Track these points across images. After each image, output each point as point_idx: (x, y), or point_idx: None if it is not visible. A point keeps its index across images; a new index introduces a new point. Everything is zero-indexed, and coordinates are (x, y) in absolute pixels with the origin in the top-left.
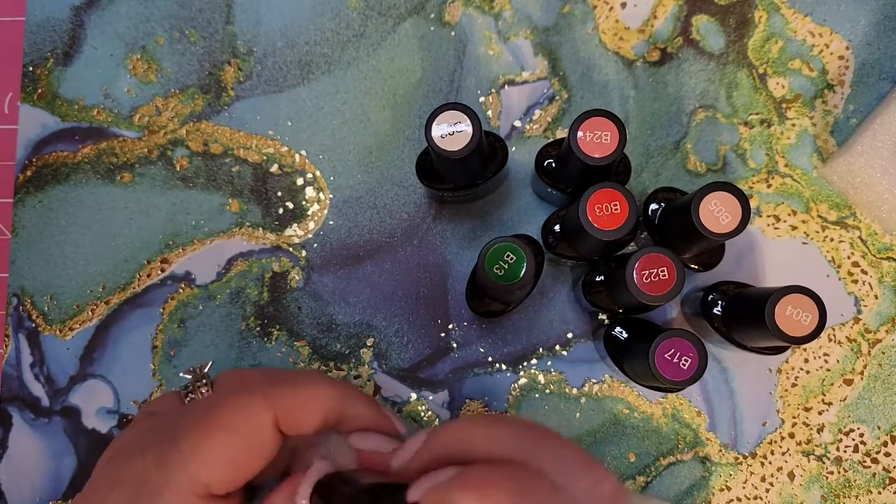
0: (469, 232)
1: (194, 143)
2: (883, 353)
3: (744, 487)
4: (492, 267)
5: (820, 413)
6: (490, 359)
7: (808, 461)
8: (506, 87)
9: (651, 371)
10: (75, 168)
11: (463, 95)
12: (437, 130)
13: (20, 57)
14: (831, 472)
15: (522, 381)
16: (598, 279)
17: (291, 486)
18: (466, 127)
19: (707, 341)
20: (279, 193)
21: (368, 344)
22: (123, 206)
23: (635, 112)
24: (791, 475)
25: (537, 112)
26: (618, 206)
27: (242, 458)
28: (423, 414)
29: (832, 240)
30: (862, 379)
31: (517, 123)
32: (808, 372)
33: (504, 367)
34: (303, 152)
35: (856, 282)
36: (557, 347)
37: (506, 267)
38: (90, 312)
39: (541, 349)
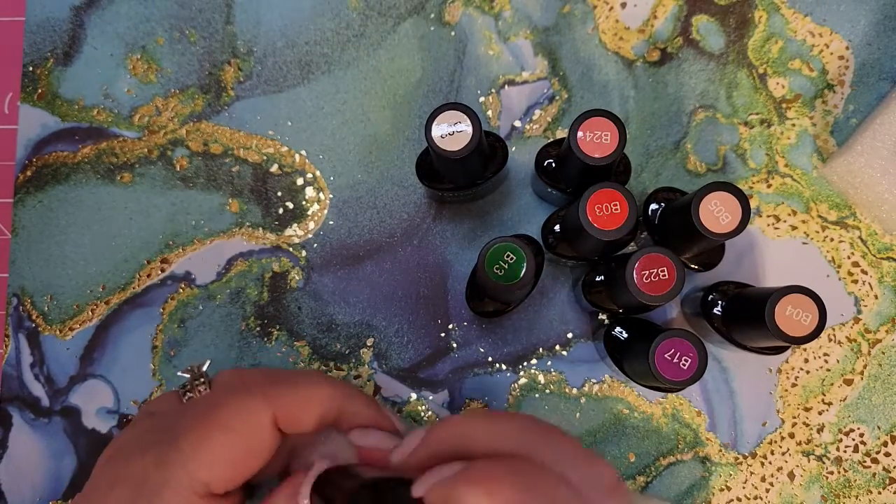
0: (469, 232)
1: (194, 143)
2: (883, 353)
3: (744, 487)
4: (492, 267)
5: (820, 413)
6: (490, 359)
7: (808, 461)
8: (506, 87)
9: (651, 371)
10: (75, 168)
11: (463, 95)
12: (437, 130)
13: (20, 57)
14: (831, 472)
15: (522, 381)
16: (598, 279)
17: (293, 486)
18: (466, 127)
19: (707, 341)
20: (279, 193)
21: (368, 344)
22: (123, 206)
23: (635, 112)
24: (791, 475)
25: (537, 112)
26: (618, 206)
27: (242, 457)
28: (423, 414)
29: (832, 240)
30: (862, 379)
31: (517, 123)
32: (808, 372)
33: (504, 367)
34: (303, 152)
35: (856, 282)
36: (557, 347)
37: (506, 267)
38: (90, 312)
39: (541, 349)
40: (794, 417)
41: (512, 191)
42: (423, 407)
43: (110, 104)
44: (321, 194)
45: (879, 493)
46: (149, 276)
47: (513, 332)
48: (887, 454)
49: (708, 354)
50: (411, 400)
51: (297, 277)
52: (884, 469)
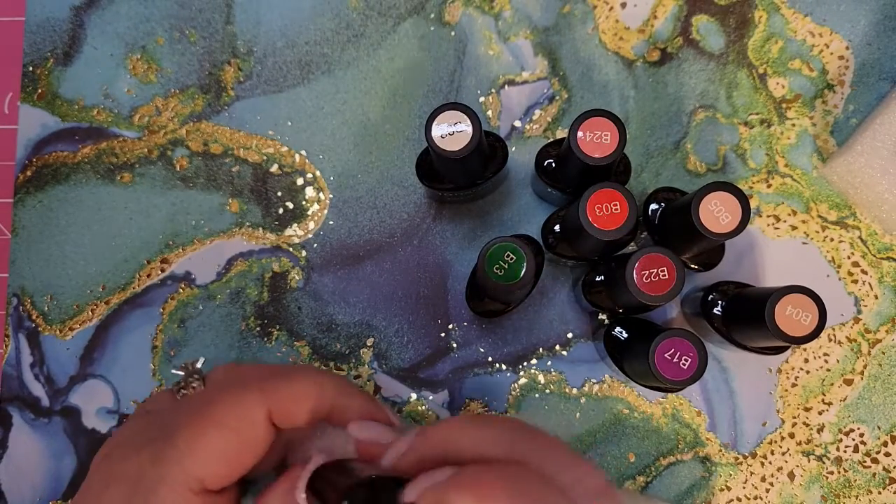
0: (469, 232)
1: (194, 143)
2: (883, 353)
3: (744, 487)
4: (492, 267)
5: (820, 413)
6: (490, 359)
7: (808, 461)
8: (506, 87)
9: (651, 371)
10: (75, 168)
11: (463, 95)
12: (437, 130)
13: (20, 57)
14: (831, 472)
15: (522, 381)
16: (598, 279)
17: (290, 481)
18: (466, 127)
19: (707, 341)
20: (279, 193)
21: (368, 344)
22: (123, 206)
23: (635, 112)
24: (791, 475)
25: (537, 112)
26: (618, 206)
27: (237, 453)
28: (423, 414)
29: (832, 240)
30: (862, 379)
31: (517, 123)
32: (808, 372)
33: (504, 367)
34: (303, 152)
35: (856, 282)
36: (557, 347)
37: (506, 267)
38: (90, 312)
39: (541, 349)
40: (794, 417)
41: (512, 191)
42: (424, 407)
43: (110, 104)
44: (321, 194)
45: (879, 493)
46: (149, 276)
47: (513, 332)
48: (887, 454)
49: (708, 354)
50: (411, 400)
51: (297, 277)
52: (884, 469)
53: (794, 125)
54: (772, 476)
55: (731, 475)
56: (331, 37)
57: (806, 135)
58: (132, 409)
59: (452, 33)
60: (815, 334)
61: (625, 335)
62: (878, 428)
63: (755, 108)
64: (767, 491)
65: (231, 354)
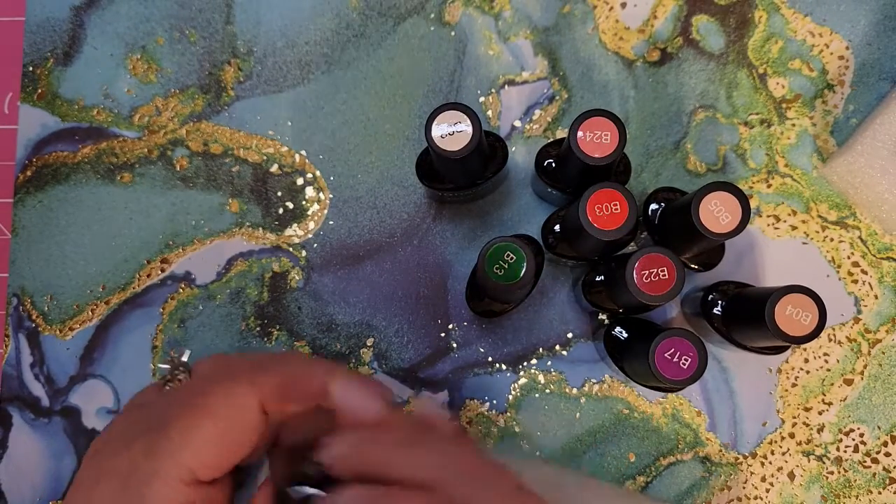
0: (469, 232)
1: (194, 143)
2: (883, 353)
3: (744, 487)
4: (492, 267)
5: (820, 413)
6: (490, 359)
7: (809, 461)
8: (506, 87)
9: (651, 371)
10: (75, 168)
11: (463, 95)
12: (437, 130)
13: (20, 57)
14: (831, 472)
15: (522, 381)
16: (598, 279)
17: None
18: (466, 127)
19: (707, 341)
20: (279, 193)
21: (368, 344)
22: (123, 206)
23: (635, 112)
24: (791, 475)
25: (537, 112)
26: (618, 206)
27: (230, 443)
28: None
29: (832, 240)
30: (862, 379)
31: (517, 123)
32: (808, 372)
33: (504, 367)
34: (303, 152)
35: (856, 282)
36: (557, 347)
37: (506, 267)
38: (90, 312)
39: (541, 349)
40: (794, 417)
41: (512, 191)
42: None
43: (110, 104)
44: (321, 194)
45: (879, 493)
46: (149, 276)
47: (513, 332)
48: (887, 454)
49: (708, 354)
50: (411, 400)
51: (297, 277)
52: (884, 469)
53: (794, 125)
54: (772, 476)
55: (731, 475)
56: (331, 37)
57: (806, 135)
58: None
59: (452, 33)
60: (815, 334)
61: (625, 335)
62: (878, 428)
63: (755, 108)
64: (767, 491)
65: None
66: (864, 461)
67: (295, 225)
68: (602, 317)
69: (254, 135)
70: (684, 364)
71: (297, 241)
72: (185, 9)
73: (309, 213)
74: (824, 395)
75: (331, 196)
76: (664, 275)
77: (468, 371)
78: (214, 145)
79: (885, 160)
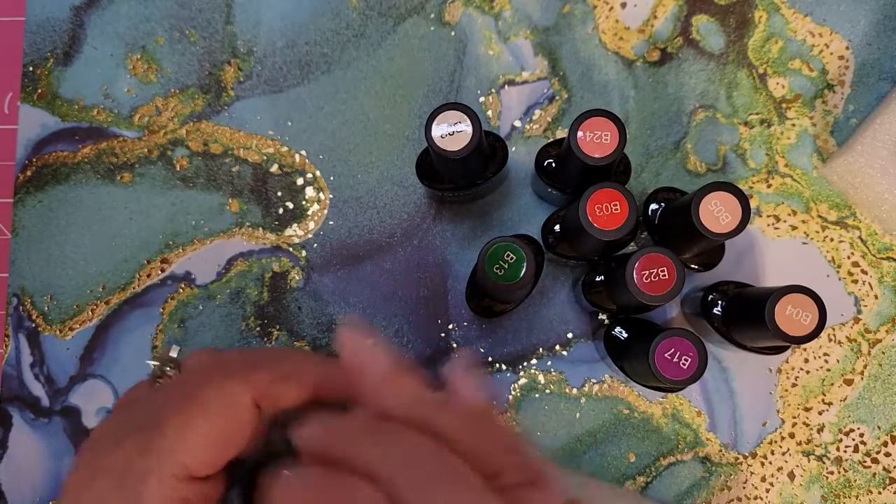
0: (469, 232)
1: (194, 143)
2: (883, 353)
3: (744, 487)
4: (492, 267)
5: (820, 413)
6: (490, 359)
7: (809, 461)
8: (506, 87)
9: (651, 371)
10: (75, 168)
11: (463, 95)
12: (437, 130)
13: (20, 57)
14: (831, 472)
15: (522, 381)
16: (598, 279)
17: None
18: (466, 127)
19: (707, 341)
20: (279, 193)
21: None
22: (123, 206)
23: (635, 112)
24: (791, 475)
25: (537, 112)
26: (618, 206)
27: (224, 439)
28: None
29: (832, 240)
30: (862, 379)
31: (517, 123)
32: (808, 372)
33: (504, 367)
34: (303, 152)
35: (856, 282)
36: (557, 347)
37: (506, 267)
38: (90, 312)
39: (541, 349)
40: (794, 417)
41: (512, 191)
42: None
43: (110, 104)
44: (321, 194)
45: (879, 493)
46: (149, 276)
47: (513, 332)
48: (887, 454)
49: (708, 354)
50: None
51: (297, 277)
52: (884, 469)
53: (794, 125)
54: (772, 476)
55: (731, 475)
56: (331, 37)
57: (806, 135)
58: None
59: (452, 33)
60: (815, 334)
61: (625, 335)
62: (878, 428)
63: (755, 108)
64: (767, 491)
65: None
66: (864, 461)
67: (295, 225)
68: (602, 317)
69: (254, 135)
70: (684, 364)
71: (297, 241)
72: (185, 9)
73: (309, 213)
74: (824, 395)
75: (331, 196)
76: (664, 275)
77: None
78: (214, 145)
79: (885, 160)
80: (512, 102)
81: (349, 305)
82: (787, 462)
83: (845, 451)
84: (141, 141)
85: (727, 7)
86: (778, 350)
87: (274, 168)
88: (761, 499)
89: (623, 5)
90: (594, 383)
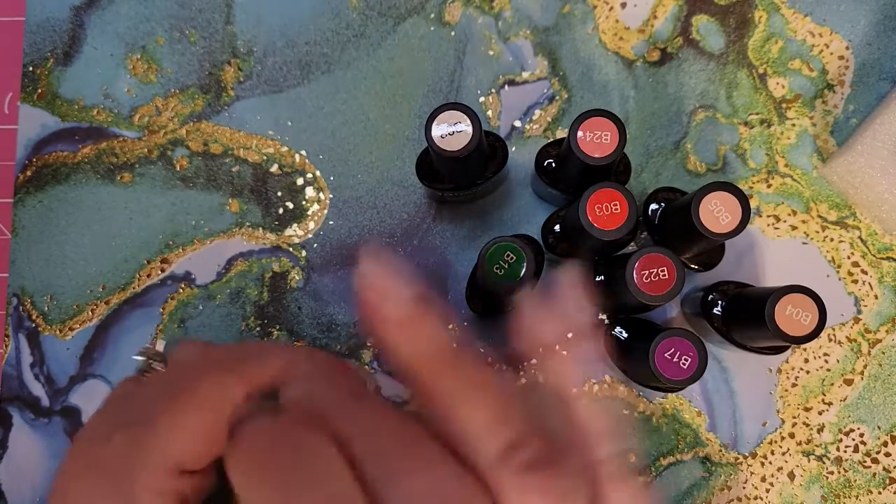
0: (469, 232)
1: (194, 143)
2: (883, 353)
3: (744, 487)
4: (492, 267)
5: (820, 413)
6: (490, 359)
7: (809, 461)
8: (506, 87)
9: (651, 371)
10: (75, 168)
11: (463, 95)
12: (437, 130)
13: (20, 57)
14: (831, 472)
15: (522, 381)
16: (598, 279)
17: None
18: (466, 127)
19: (707, 341)
20: (279, 193)
21: (368, 344)
22: (123, 206)
23: (635, 112)
24: (791, 475)
25: (537, 112)
26: (618, 206)
27: (217, 433)
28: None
29: (832, 240)
30: (862, 379)
31: (517, 123)
32: (808, 372)
33: (504, 366)
34: (303, 152)
35: (856, 282)
36: (557, 348)
37: (506, 267)
38: (90, 312)
39: (540, 349)
40: (794, 417)
41: (512, 191)
42: None
43: (110, 104)
44: (321, 194)
45: (879, 493)
46: (149, 276)
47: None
48: (887, 454)
49: (708, 354)
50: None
51: (297, 277)
52: (884, 469)
53: (794, 125)
54: (772, 476)
55: (731, 475)
56: (331, 37)
57: (806, 135)
58: None
59: (452, 33)
60: (815, 334)
61: (625, 335)
62: (878, 428)
63: (755, 108)
64: (767, 491)
65: None
66: (864, 461)
67: (295, 225)
68: (602, 317)
69: (254, 135)
70: (684, 364)
71: (297, 241)
72: (185, 9)
73: (309, 213)
74: (824, 395)
75: (331, 196)
76: (664, 275)
77: None
78: (214, 145)
79: (885, 160)
80: (512, 102)
81: (349, 305)
82: (787, 462)
83: (845, 451)
84: (141, 141)
85: (727, 7)
86: (778, 350)
87: (274, 168)
88: (761, 499)
89: (623, 5)
90: (594, 383)
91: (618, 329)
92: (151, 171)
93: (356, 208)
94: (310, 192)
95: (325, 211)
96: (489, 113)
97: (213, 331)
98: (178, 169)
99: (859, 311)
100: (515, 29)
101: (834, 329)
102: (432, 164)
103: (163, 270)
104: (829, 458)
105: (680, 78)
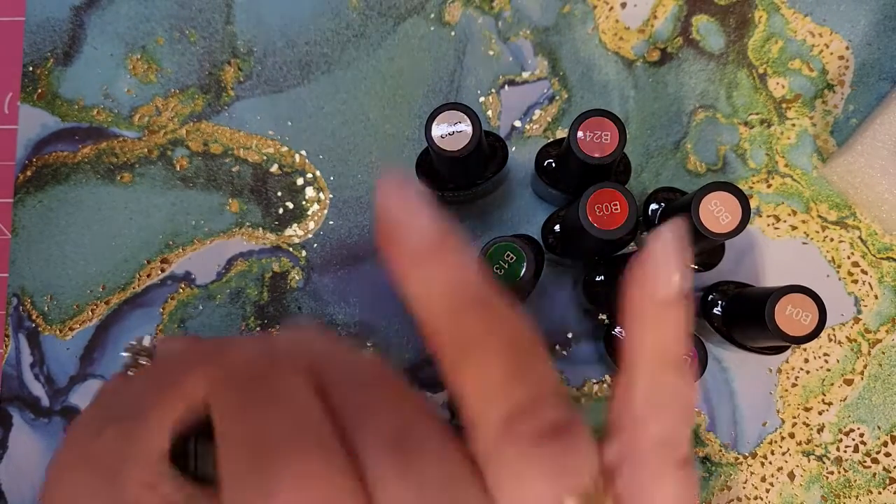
0: (469, 232)
1: (194, 143)
2: (883, 353)
3: (744, 487)
4: (492, 267)
5: (820, 413)
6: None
7: (809, 461)
8: (506, 87)
9: None
10: (75, 168)
11: (463, 95)
12: (437, 130)
13: (20, 57)
14: (831, 472)
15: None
16: (598, 279)
17: None
18: (466, 127)
19: (707, 341)
20: (279, 193)
21: (368, 344)
22: (123, 206)
23: (635, 112)
24: (791, 475)
25: (537, 112)
26: (618, 206)
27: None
28: None
29: (832, 240)
30: (862, 379)
31: (517, 123)
32: (808, 372)
33: None
34: (303, 152)
35: (856, 282)
36: (557, 347)
37: (506, 267)
38: (90, 312)
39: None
40: (794, 417)
41: (512, 191)
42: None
43: (110, 104)
44: (321, 194)
45: (879, 493)
46: (149, 276)
47: None
48: (887, 454)
49: (708, 354)
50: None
51: (297, 277)
52: (884, 469)
53: (794, 125)
54: (772, 476)
55: (731, 475)
56: (331, 37)
57: (806, 135)
58: None
59: (452, 33)
60: (815, 334)
61: (625, 335)
62: (878, 428)
63: (755, 108)
64: (767, 491)
65: None
66: (864, 461)
67: (295, 225)
68: (602, 317)
69: (254, 135)
70: None
71: (297, 241)
72: (185, 9)
73: (309, 213)
74: (824, 395)
75: (331, 196)
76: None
77: None
78: (214, 145)
79: (885, 160)
80: (512, 102)
81: (349, 305)
82: (787, 462)
83: (845, 451)
84: (141, 141)
85: (727, 7)
86: (778, 350)
87: (274, 168)
88: (761, 499)
89: (623, 5)
90: (594, 383)
91: (618, 329)
92: (151, 171)
93: (356, 208)
94: (310, 192)
95: (325, 211)
96: (489, 113)
97: (214, 331)
98: (178, 169)
99: (859, 311)
100: (515, 29)
101: (834, 329)
102: (432, 164)
103: (163, 270)
104: (829, 458)
105: (680, 78)
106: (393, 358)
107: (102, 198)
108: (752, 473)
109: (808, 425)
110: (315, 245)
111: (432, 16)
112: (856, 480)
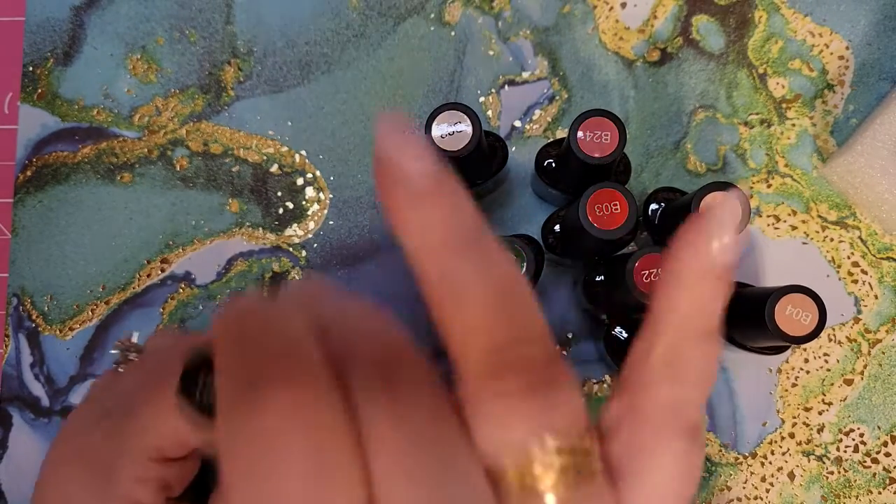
0: None
1: (194, 143)
2: (883, 353)
3: (744, 487)
4: None
5: (820, 413)
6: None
7: (809, 461)
8: (506, 87)
9: None
10: (75, 168)
11: (463, 95)
12: (437, 130)
13: (20, 57)
14: (831, 472)
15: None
16: (598, 279)
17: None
18: (466, 127)
19: None
20: (279, 193)
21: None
22: (123, 206)
23: (635, 112)
24: (791, 475)
25: (537, 112)
26: (618, 206)
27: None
28: None
29: (832, 240)
30: (862, 379)
31: (517, 123)
32: (808, 372)
33: None
34: (303, 152)
35: (856, 282)
36: (557, 347)
37: None
38: (90, 312)
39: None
40: (794, 417)
41: (512, 191)
42: None
43: (110, 104)
44: (321, 194)
45: (879, 493)
46: (149, 276)
47: None
48: (887, 454)
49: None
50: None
51: (297, 277)
52: (884, 469)
53: (794, 125)
54: (772, 476)
55: (731, 475)
56: (331, 37)
57: (806, 135)
58: None
59: (452, 33)
60: (815, 334)
61: (625, 335)
62: (878, 428)
63: (755, 108)
64: (767, 491)
65: None
66: (864, 461)
67: (295, 225)
68: (602, 317)
69: (254, 135)
70: None
71: (297, 241)
72: (185, 9)
73: (309, 213)
74: (824, 395)
75: (331, 196)
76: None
77: None
78: (214, 145)
79: (885, 160)
80: (512, 102)
81: None
82: (787, 462)
83: (845, 451)
84: (141, 141)
85: (727, 7)
86: (778, 350)
87: (274, 168)
88: (761, 499)
89: (623, 5)
90: (594, 383)
91: (618, 329)
92: (151, 171)
93: (356, 208)
94: (310, 192)
95: (325, 211)
96: (489, 113)
97: None
98: (178, 169)
99: (859, 311)
100: (515, 29)
101: (834, 329)
102: None
103: (163, 270)
104: (829, 458)
105: (680, 78)
106: None
107: (102, 198)
108: (752, 473)
109: (808, 425)
110: (315, 245)
111: (432, 16)
112: (856, 480)
